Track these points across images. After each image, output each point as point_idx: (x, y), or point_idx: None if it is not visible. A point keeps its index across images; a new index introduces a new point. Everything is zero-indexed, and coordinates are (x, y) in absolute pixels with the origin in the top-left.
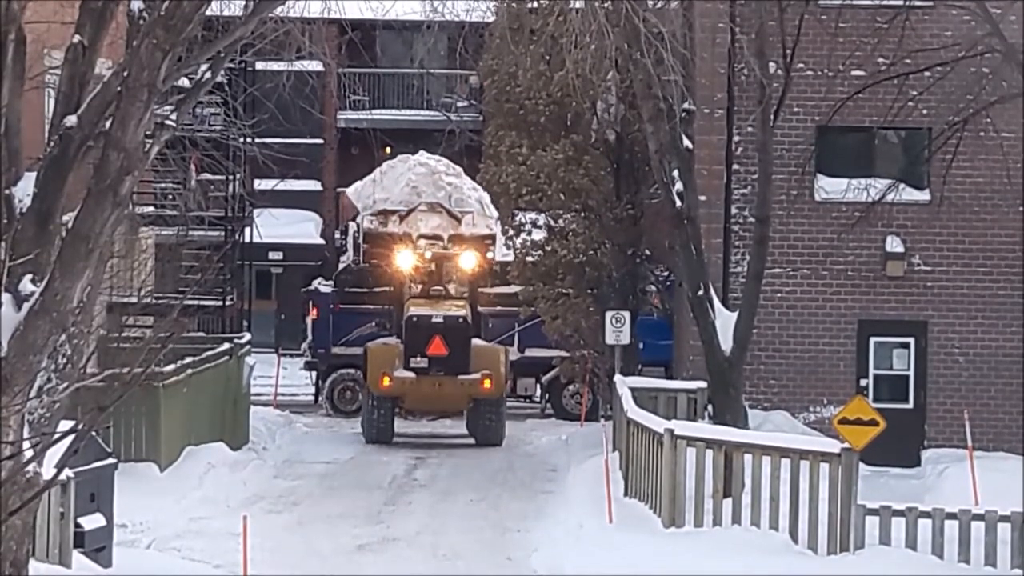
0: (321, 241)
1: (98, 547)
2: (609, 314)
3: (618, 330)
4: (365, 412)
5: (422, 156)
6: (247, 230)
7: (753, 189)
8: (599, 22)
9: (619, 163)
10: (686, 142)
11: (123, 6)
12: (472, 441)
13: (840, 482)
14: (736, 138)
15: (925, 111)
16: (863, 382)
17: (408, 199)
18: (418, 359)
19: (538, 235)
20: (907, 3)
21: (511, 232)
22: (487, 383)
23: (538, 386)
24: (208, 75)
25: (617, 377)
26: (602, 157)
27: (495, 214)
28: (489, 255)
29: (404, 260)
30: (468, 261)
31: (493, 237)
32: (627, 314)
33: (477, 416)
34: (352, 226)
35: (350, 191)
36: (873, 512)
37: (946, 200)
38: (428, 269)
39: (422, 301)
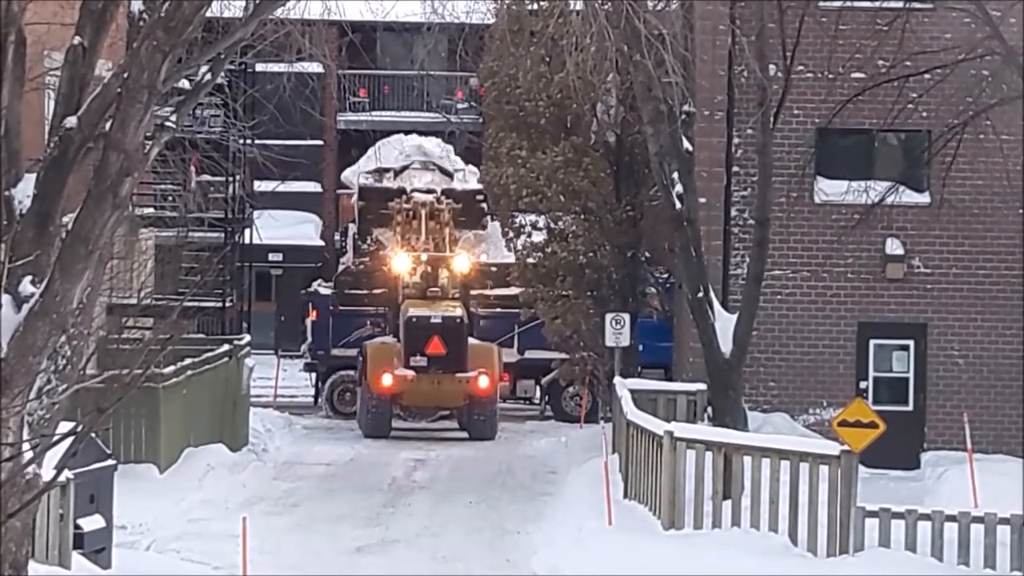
0: (321, 243)
1: (97, 548)
2: (609, 316)
3: (618, 332)
4: (362, 409)
5: (414, 137)
6: (247, 231)
7: (753, 191)
8: (599, 24)
9: (619, 165)
10: (686, 144)
11: (123, 8)
12: (466, 436)
13: (840, 484)
14: (736, 140)
15: (925, 113)
16: (863, 384)
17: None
18: (418, 358)
19: (538, 237)
20: (907, 5)
21: (511, 234)
22: (484, 381)
23: (538, 388)
24: (208, 77)
25: (617, 379)
26: (602, 159)
27: None
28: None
29: (400, 263)
30: (462, 263)
31: (484, 193)
32: (627, 316)
33: (471, 412)
34: (351, 228)
35: (346, 173)
36: (873, 514)
37: (946, 202)
38: (424, 270)
39: (419, 302)
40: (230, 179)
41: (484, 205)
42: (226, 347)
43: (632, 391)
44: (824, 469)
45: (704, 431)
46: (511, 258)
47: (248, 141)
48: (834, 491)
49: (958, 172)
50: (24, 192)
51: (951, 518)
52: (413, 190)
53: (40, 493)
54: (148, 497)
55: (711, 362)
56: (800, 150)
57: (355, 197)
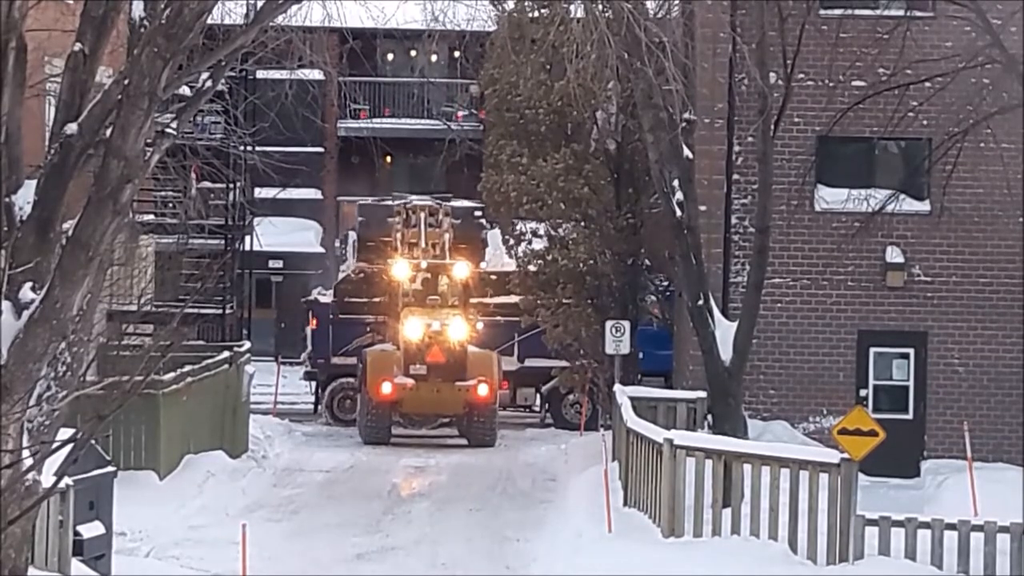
0: (321, 250)
1: (97, 555)
2: (609, 323)
3: (618, 339)
4: (362, 415)
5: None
6: (247, 238)
7: (753, 199)
8: (600, 31)
9: (619, 173)
10: (687, 152)
11: (124, 14)
12: (466, 443)
13: (839, 492)
14: (736, 148)
15: (925, 122)
16: (863, 392)
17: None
18: (417, 366)
19: (539, 244)
20: (908, 14)
21: (512, 241)
22: (483, 389)
23: (538, 396)
24: (209, 83)
25: (617, 387)
26: (602, 167)
27: None
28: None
29: (400, 270)
30: (461, 270)
31: (483, 210)
32: (627, 323)
33: (471, 419)
34: (351, 235)
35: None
36: (872, 522)
37: (946, 211)
38: (424, 277)
39: (419, 310)
40: (230, 186)
41: (482, 220)
42: (226, 354)
43: (632, 399)
44: (824, 477)
45: (704, 439)
46: (511, 266)
47: (249, 148)
48: (834, 499)
49: (958, 180)
50: (25, 198)
51: (951, 526)
52: (412, 205)
53: (40, 500)
54: (148, 504)
55: (711, 370)
56: (801, 158)
57: (356, 212)
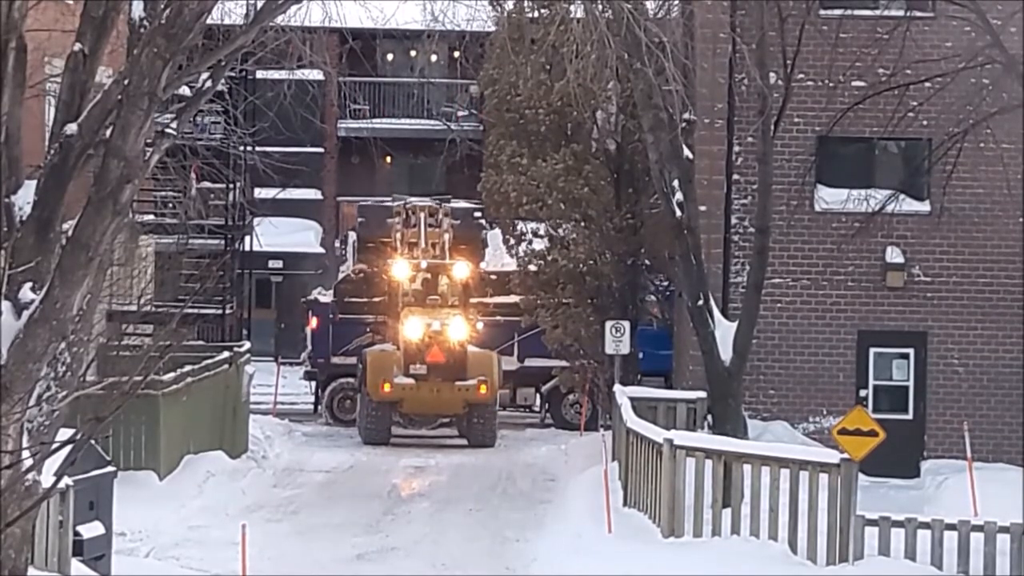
0: (321, 250)
1: (97, 555)
2: (609, 324)
3: (618, 340)
4: (362, 415)
5: None
6: (247, 239)
7: (753, 199)
8: (600, 31)
9: (619, 173)
10: (686, 152)
11: (124, 14)
12: (465, 443)
13: (839, 492)
14: (736, 148)
15: (925, 122)
16: (863, 393)
17: None
18: (417, 366)
19: (539, 244)
20: (908, 14)
21: (512, 241)
22: (483, 388)
23: (538, 396)
24: (209, 83)
25: (616, 387)
26: (602, 167)
27: None
28: (476, 249)
29: (399, 270)
30: (461, 270)
31: (482, 211)
32: (627, 324)
33: (470, 419)
34: (351, 236)
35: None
36: (872, 523)
37: (946, 211)
38: (424, 277)
39: (419, 310)
40: (230, 186)
41: (482, 221)
42: (226, 354)
43: (632, 399)
44: (824, 477)
45: (704, 439)
46: (511, 266)
47: (248, 148)
48: (834, 499)
49: (958, 180)
50: (24, 199)
51: (951, 527)
52: (412, 205)
53: (40, 500)
54: (148, 504)
55: (711, 370)
56: (800, 158)
57: (356, 212)
